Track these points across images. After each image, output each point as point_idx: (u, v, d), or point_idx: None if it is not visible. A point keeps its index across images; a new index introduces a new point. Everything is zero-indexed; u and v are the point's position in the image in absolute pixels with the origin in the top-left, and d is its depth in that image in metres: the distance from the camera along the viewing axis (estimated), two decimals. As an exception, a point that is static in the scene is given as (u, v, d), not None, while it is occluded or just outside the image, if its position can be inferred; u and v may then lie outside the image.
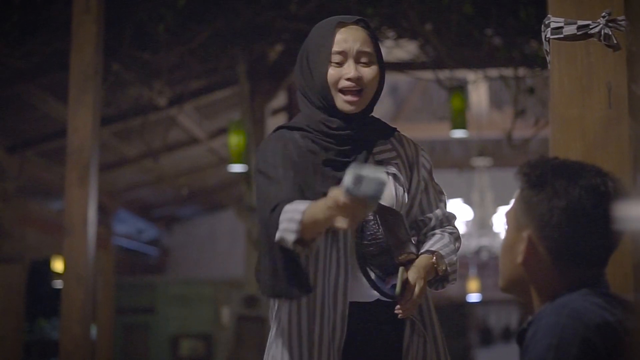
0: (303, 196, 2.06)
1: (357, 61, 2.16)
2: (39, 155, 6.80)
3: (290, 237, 1.97)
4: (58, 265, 8.39)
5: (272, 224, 2.02)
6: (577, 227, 1.51)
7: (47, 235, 7.23)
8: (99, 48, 4.15)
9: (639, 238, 1.01)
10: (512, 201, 1.63)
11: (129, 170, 8.10)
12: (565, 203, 1.51)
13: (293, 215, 1.97)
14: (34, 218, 7.02)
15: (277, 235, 2.00)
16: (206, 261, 10.64)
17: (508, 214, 1.62)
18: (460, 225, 9.34)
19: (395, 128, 2.32)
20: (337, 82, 2.15)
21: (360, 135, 2.19)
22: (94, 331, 7.98)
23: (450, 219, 2.30)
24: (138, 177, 8.56)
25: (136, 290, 9.55)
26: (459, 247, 2.27)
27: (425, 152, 2.32)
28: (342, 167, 2.14)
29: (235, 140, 5.72)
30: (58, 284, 8.61)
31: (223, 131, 7.35)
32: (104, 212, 8.22)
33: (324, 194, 1.98)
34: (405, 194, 2.23)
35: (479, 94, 8.36)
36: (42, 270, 8.86)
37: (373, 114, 2.27)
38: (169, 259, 10.97)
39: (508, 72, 5.32)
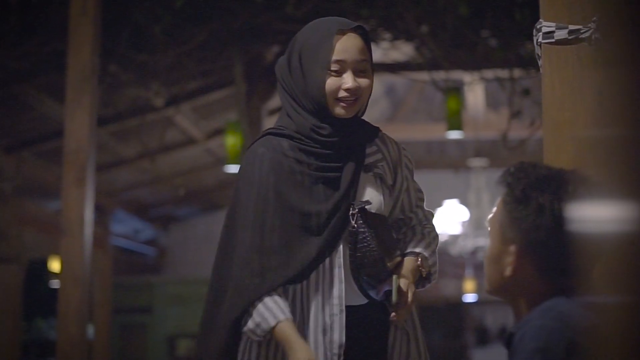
0: (277, 240, 2.12)
1: (355, 71, 2.14)
2: (36, 155, 6.81)
3: (258, 333, 2.08)
4: (55, 265, 8.40)
5: (239, 304, 2.10)
6: (563, 242, 1.51)
7: (45, 235, 7.24)
8: (96, 49, 4.16)
9: (626, 241, 1.02)
10: (495, 208, 1.63)
11: (126, 170, 8.11)
12: (551, 219, 1.51)
13: (266, 321, 2.06)
14: (31, 218, 7.04)
15: (248, 326, 2.08)
16: (203, 261, 10.61)
17: (492, 222, 1.62)
18: (456, 226, 9.36)
19: (379, 128, 2.32)
20: (335, 91, 2.13)
21: (350, 140, 2.20)
22: (91, 331, 7.99)
23: (428, 217, 2.33)
24: (135, 178, 8.57)
25: (133, 290, 9.56)
26: (437, 245, 2.30)
27: (407, 152, 2.33)
28: (334, 171, 2.16)
29: (232, 140, 5.73)
30: (55, 283, 8.62)
31: (220, 132, 7.36)
32: (101, 212, 8.23)
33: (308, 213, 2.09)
34: (390, 196, 2.24)
35: (475, 95, 8.38)
36: (40, 270, 8.88)
37: (369, 115, 2.29)
38: (166, 259, 10.98)
39: (503, 73, 5.34)
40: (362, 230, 2.11)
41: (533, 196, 1.53)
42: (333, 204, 2.14)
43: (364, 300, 2.16)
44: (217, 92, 6.86)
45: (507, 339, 1.54)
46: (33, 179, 6.90)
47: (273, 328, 2.05)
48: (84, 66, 4.09)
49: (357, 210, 2.13)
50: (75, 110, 4.08)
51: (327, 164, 2.16)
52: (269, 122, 6.58)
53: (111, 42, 4.77)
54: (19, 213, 6.64)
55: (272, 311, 2.06)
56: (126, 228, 9.91)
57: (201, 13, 5.06)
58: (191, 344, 9.32)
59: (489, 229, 1.65)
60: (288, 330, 2.04)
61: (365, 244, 2.10)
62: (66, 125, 4.09)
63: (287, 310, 2.07)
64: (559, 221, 1.51)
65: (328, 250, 2.13)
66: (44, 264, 8.81)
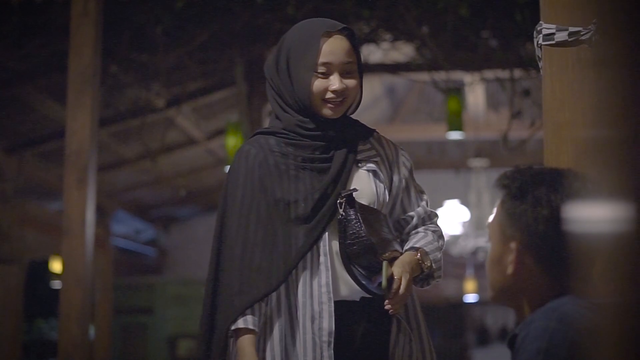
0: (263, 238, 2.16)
1: (341, 73, 2.17)
2: (37, 156, 6.82)
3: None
4: (56, 266, 8.41)
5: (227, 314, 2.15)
6: (561, 233, 1.52)
7: (45, 236, 7.24)
8: (98, 50, 4.17)
9: (624, 240, 1.03)
10: (494, 213, 1.64)
11: (127, 171, 8.12)
12: (548, 211, 1.52)
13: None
14: (33, 219, 7.04)
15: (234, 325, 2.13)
16: (204, 262, 10.58)
17: (491, 226, 1.63)
18: (457, 226, 9.37)
19: (374, 129, 2.34)
20: (322, 92, 2.17)
21: (339, 135, 2.22)
22: (91, 331, 8.00)
23: (432, 217, 2.32)
24: (136, 178, 8.58)
25: (134, 291, 9.56)
26: (442, 245, 2.29)
27: (405, 152, 2.34)
28: (322, 162, 2.18)
29: (232, 141, 5.74)
30: (56, 284, 8.63)
31: (221, 132, 7.37)
32: (102, 213, 8.23)
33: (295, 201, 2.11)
34: (386, 192, 2.25)
35: (475, 95, 8.39)
36: (40, 270, 8.89)
37: (370, 116, 2.31)
38: (167, 260, 10.99)
39: (504, 74, 5.35)
40: (351, 218, 2.13)
41: (529, 191, 1.55)
42: (320, 191, 2.16)
43: (357, 296, 2.16)
44: (218, 92, 6.87)
45: (510, 339, 1.54)
46: (34, 179, 6.91)
47: (235, 330, 2.13)
48: (85, 67, 4.10)
49: (344, 198, 2.14)
50: (76, 111, 4.09)
51: (315, 155, 2.19)
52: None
53: (112, 43, 4.78)
54: (20, 214, 6.65)
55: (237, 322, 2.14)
56: (127, 228, 9.92)
57: (202, 14, 5.07)
58: (192, 345, 9.33)
59: (489, 233, 1.65)
60: (247, 343, 2.11)
61: (355, 231, 2.11)
62: (67, 126, 4.09)
63: (251, 323, 2.13)
64: (556, 213, 1.52)
65: (314, 238, 2.14)
66: (45, 264, 8.82)
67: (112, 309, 8.67)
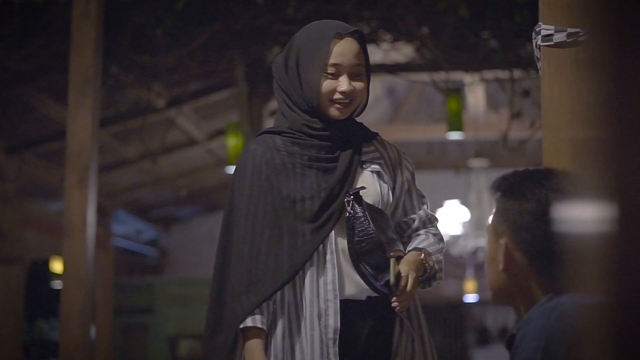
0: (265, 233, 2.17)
1: (350, 75, 2.20)
2: (38, 156, 6.83)
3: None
4: (57, 266, 8.42)
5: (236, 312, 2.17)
6: (547, 228, 1.53)
7: (46, 236, 7.26)
8: (98, 51, 4.18)
9: (613, 238, 1.04)
10: (491, 216, 1.66)
11: (128, 171, 8.13)
12: (533, 205, 1.54)
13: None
14: (33, 219, 7.05)
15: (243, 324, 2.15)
16: (204, 262, 10.62)
17: (488, 227, 1.65)
18: (457, 226, 9.38)
19: (377, 133, 2.36)
20: (330, 93, 2.19)
21: (344, 135, 2.24)
22: (92, 332, 8.00)
23: (432, 220, 2.34)
24: (137, 178, 8.59)
25: (135, 291, 9.57)
26: (443, 248, 2.32)
27: (407, 156, 2.37)
28: (329, 161, 2.20)
29: (233, 141, 5.75)
30: (57, 284, 8.64)
31: (221, 132, 7.38)
32: (102, 213, 8.24)
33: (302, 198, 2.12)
34: (390, 193, 2.27)
35: (475, 95, 8.40)
36: (41, 271, 8.89)
37: (370, 116, 2.33)
38: (168, 260, 11.00)
39: (504, 74, 5.36)
40: (359, 216, 2.14)
41: (518, 187, 1.57)
42: (327, 191, 2.18)
43: (363, 295, 2.18)
44: (218, 93, 6.88)
45: (508, 340, 1.55)
46: (35, 180, 6.92)
47: (243, 329, 2.14)
48: (86, 68, 4.10)
49: (352, 196, 2.16)
50: (77, 112, 4.09)
51: (321, 155, 2.21)
52: (270, 123, 6.57)
53: (113, 44, 4.79)
54: (21, 214, 6.66)
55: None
56: (127, 229, 9.93)
57: (202, 15, 5.08)
58: (192, 345, 9.34)
59: (487, 237, 1.67)
60: (256, 346, 2.13)
61: (363, 229, 2.13)
62: (68, 126, 4.10)
63: (259, 322, 2.15)
64: (541, 207, 1.53)
65: (322, 237, 2.16)
66: (46, 264, 8.83)
67: (113, 309, 8.68)
